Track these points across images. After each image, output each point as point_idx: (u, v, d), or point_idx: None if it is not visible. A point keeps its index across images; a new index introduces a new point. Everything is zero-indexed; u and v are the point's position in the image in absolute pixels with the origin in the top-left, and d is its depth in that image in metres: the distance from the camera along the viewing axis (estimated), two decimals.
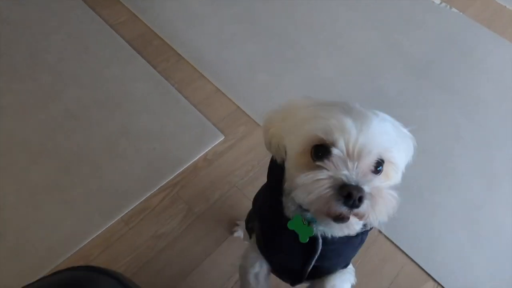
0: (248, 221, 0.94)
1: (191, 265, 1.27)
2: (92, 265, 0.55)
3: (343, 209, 0.50)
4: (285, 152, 0.63)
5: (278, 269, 0.77)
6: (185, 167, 1.50)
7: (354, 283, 0.74)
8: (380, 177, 0.56)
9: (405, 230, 1.44)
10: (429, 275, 1.36)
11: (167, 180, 1.45)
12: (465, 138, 1.75)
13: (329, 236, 0.65)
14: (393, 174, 0.59)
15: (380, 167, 0.56)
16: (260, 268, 0.74)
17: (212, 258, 1.29)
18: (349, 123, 0.53)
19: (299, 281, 0.75)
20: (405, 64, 2.01)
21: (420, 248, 1.41)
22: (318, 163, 0.53)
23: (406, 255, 1.39)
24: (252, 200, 0.94)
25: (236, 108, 1.71)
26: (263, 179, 1.49)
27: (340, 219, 0.52)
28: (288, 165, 0.62)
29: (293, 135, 0.59)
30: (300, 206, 0.64)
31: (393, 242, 1.41)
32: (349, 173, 0.51)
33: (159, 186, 1.43)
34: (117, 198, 1.39)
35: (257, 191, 1.47)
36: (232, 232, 1.34)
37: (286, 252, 0.71)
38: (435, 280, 1.35)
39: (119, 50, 1.84)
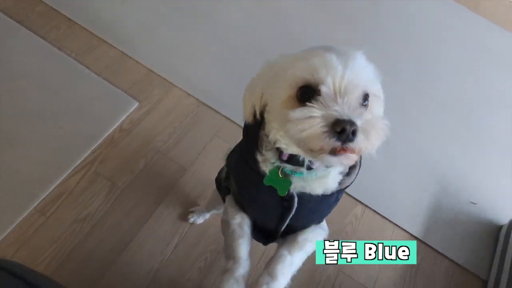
0: (220, 179, 0.91)
1: (124, 239, 1.20)
2: None
3: (337, 144, 0.50)
4: (265, 110, 0.60)
5: (253, 225, 0.75)
6: (99, 141, 1.37)
7: (327, 237, 0.74)
8: (368, 110, 0.55)
9: None
10: (357, 200, 1.46)
11: (81, 159, 1.32)
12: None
13: (307, 192, 0.65)
14: (376, 109, 0.59)
15: (367, 101, 0.55)
16: (241, 218, 0.73)
17: (146, 228, 1.24)
18: (333, 59, 0.52)
19: (273, 239, 0.75)
20: (315, 3, 2.01)
21: None
22: (307, 103, 0.52)
23: None
24: (222, 166, 0.92)
25: (147, 71, 1.58)
26: (189, 139, 1.46)
27: (335, 153, 0.52)
28: (271, 117, 0.59)
29: (275, 85, 0.57)
30: (280, 158, 0.62)
31: None
32: (341, 109, 0.51)
33: (74, 167, 1.30)
34: (25, 188, 1.23)
35: (183, 152, 1.43)
36: (188, 219, 1.27)
37: (262, 208, 0.71)
38: (362, 204, 1.46)
39: None
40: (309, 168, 0.62)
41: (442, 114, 1.78)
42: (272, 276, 0.62)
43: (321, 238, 0.72)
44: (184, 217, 1.27)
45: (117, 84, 1.51)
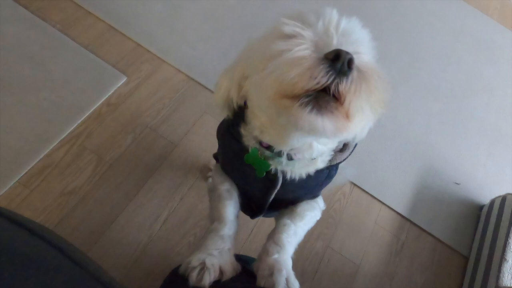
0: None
1: (112, 213, 1.18)
2: None
3: (330, 77, 0.39)
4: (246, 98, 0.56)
5: (241, 197, 0.72)
6: (86, 115, 1.34)
7: (321, 213, 0.72)
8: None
9: None
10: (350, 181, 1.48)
11: (67, 132, 1.29)
12: None
13: (289, 176, 0.61)
14: None
15: None
16: (230, 185, 0.69)
17: (135, 202, 1.22)
18: (328, 9, 0.46)
19: (259, 213, 0.72)
20: None
21: None
22: None
23: None
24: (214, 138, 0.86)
25: (136, 46, 1.54)
26: (179, 115, 1.43)
27: (320, 106, 0.41)
28: (252, 97, 0.54)
29: (259, 52, 0.49)
30: (259, 142, 0.59)
31: None
32: (336, 37, 0.42)
33: (59, 140, 1.26)
34: (8, 160, 1.19)
35: (173, 129, 1.41)
36: (207, 178, 1.21)
37: (247, 181, 0.68)
38: (351, 182, 1.48)
39: None
40: (290, 158, 0.59)
41: (430, 98, 1.81)
42: (279, 245, 0.59)
43: (318, 211, 0.71)
44: (173, 192, 1.26)
45: (104, 57, 1.47)
